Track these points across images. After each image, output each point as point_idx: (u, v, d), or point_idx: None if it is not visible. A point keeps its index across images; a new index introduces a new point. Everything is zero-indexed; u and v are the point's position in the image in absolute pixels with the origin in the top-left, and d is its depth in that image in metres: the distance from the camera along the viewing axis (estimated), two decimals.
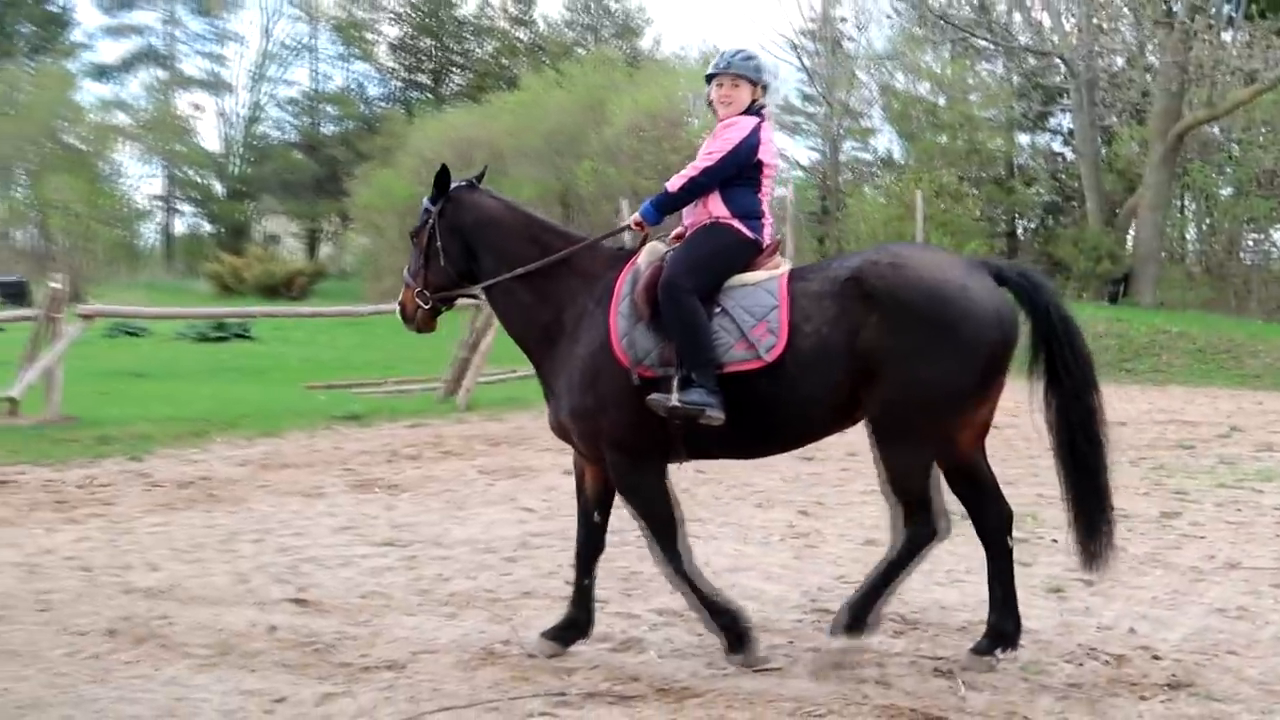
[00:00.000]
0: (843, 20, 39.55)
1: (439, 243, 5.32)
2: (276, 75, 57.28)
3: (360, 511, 8.28)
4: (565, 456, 10.45)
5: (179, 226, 58.46)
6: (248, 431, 11.89)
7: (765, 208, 5.13)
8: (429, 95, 55.73)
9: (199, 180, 56.02)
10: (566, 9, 55.69)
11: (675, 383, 4.72)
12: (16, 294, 37.62)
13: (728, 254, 4.97)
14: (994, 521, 4.89)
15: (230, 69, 57.91)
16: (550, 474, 9.81)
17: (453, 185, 5.38)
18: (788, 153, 38.03)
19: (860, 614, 4.80)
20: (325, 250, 56.49)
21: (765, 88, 5.23)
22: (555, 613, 5.43)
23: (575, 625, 5.13)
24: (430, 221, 5.35)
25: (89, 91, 56.16)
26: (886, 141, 43.90)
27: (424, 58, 57.71)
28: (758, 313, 4.77)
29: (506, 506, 8.51)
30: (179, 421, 12.06)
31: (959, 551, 6.10)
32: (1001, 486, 4.98)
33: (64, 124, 50.11)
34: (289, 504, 8.53)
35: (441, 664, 4.96)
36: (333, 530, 7.65)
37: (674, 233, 5.22)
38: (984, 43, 34.43)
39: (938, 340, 4.56)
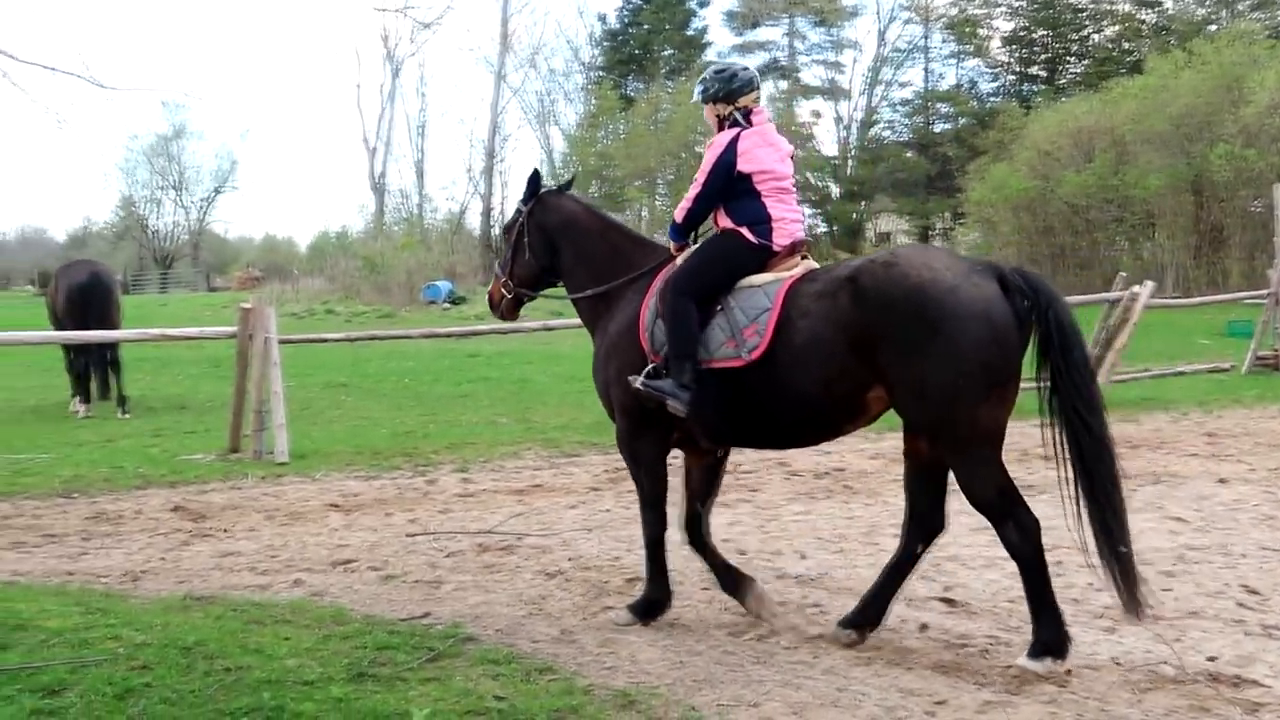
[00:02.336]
0: None
1: (526, 239, 5.88)
2: (890, 78, 58.20)
3: None
4: (1215, 463, 9.60)
5: None
6: (877, 426, 11.96)
7: (781, 210, 5.29)
8: (1044, 86, 53.81)
9: (817, 183, 58.22)
10: None
11: (650, 369, 5.21)
12: None
13: (729, 259, 5.25)
14: (934, 527, 5.14)
15: (846, 75, 59.77)
16: (1199, 481, 8.91)
17: (543, 189, 5.93)
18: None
19: (1053, 634, 4.68)
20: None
21: (728, 100, 5.43)
22: (1226, 635, 4.86)
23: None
24: (521, 220, 5.91)
25: None
26: None
27: (1038, 49, 55.93)
28: (751, 314, 5.04)
29: (1154, 515, 7.81)
30: None
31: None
32: None
33: (699, 137, 54.11)
34: None
35: (1105, 682, 4.58)
36: (971, 529, 7.42)
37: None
38: None
39: (925, 340, 4.58)
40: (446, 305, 37.98)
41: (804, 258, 5.37)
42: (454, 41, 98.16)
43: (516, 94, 61.16)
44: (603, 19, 64.35)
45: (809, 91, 59.57)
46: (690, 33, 62.06)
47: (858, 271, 4.86)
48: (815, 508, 8.18)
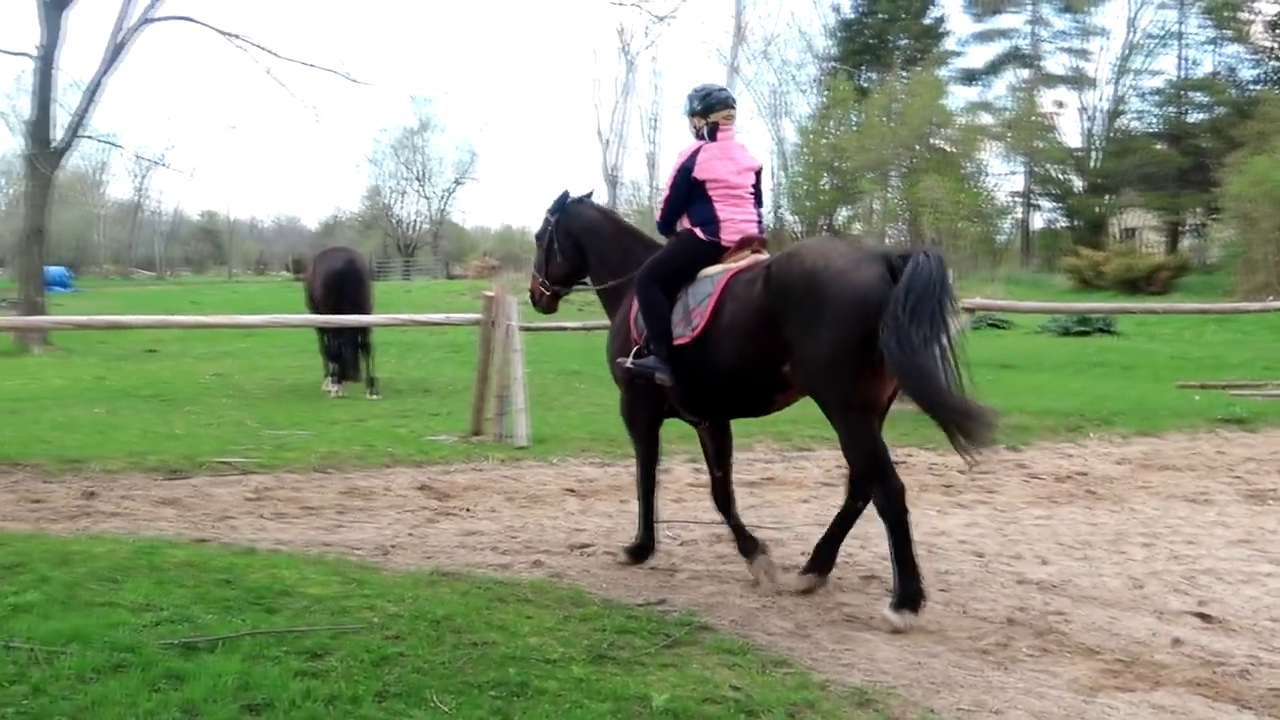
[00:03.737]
0: None
1: (556, 244, 6.88)
2: (1141, 66, 55.37)
3: (1256, 524, 7.54)
4: None
5: (1037, 222, 59.14)
6: (1122, 429, 11.48)
7: (730, 212, 6.14)
8: None
9: (1058, 176, 56.01)
10: None
11: (636, 350, 6.14)
12: None
13: (685, 255, 6.15)
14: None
15: (1093, 63, 57.21)
16: None
17: (569, 199, 6.90)
18: None
19: (911, 590, 5.30)
20: (1187, 243, 53.43)
21: (702, 115, 6.29)
22: None
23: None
24: (550, 228, 6.90)
25: (957, 96, 58.78)
26: None
27: None
28: (699, 299, 5.92)
29: None
30: (1052, 415, 12.00)
31: None
32: None
33: (935, 128, 52.90)
34: (1174, 509, 8.04)
35: None
36: (1228, 543, 7.04)
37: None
38: None
39: (814, 318, 5.26)
40: None
41: (755, 252, 6.14)
42: (687, 34, 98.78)
43: (749, 86, 61.14)
44: (837, 9, 63.57)
45: (1052, 80, 57.35)
46: (928, 21, 60.66)
47: (771, 261, 5.71)
48: (1057, 512, 7.90)
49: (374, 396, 14.17)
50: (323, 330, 14.96)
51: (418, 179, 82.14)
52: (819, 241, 5.89)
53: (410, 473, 9.07)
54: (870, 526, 7.25)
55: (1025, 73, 57.51)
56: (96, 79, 22.61)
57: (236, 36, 23.48)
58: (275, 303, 32.00)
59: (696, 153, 6.21)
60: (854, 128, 54.75)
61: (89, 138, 27.46)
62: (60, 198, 46.27)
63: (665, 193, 6.35)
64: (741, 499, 8.04)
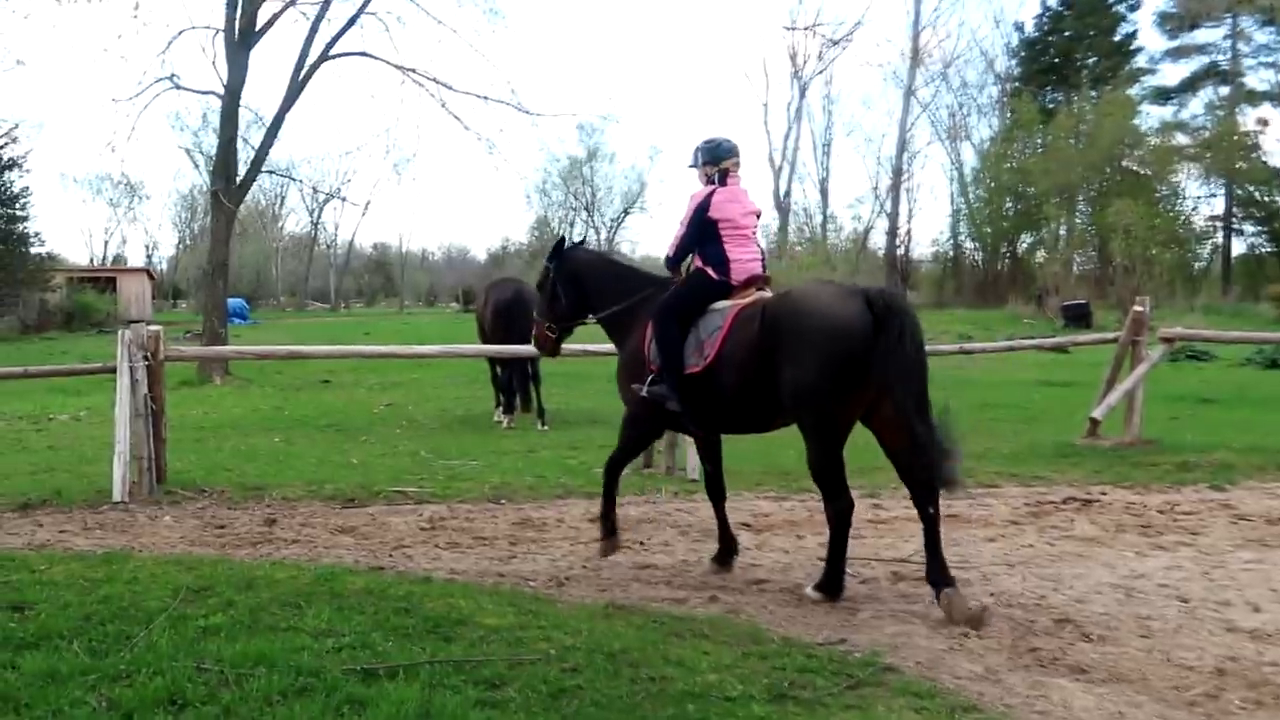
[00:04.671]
0: None
1: (559, 288, 7.56)
2: None
3: None
4: None
5: (1238, 247, 56.67)
6: None
7: (736, 253, 6.86)
8: None
9: (1262, 198, 53.58)
10: None
11: (650, 379, 6.88)
12: (1080, 316, 39.37)
13: (697, 292, 6.87)
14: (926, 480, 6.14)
15: None
16: None
17: (566, 247, 7.72)
18: None
19: (832, 580, 6.41)
20: None
21: (712, 164, 7.02)
22: None
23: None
24: (551, 274, 7.60)
25: (1150, 115, 56.90)
26: None
27: None
28: (709, 332, 6.67)
29: None
30: (1260, 452, 11.44)
31: None
32: None
33: (1126, 149, 51.30)
34: None
35: None
36: None
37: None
38: None
39: (800, 350, 6.09)
40: None
41: (759, 290, 6.87)
42: (862, 57, 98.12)
43: (926, 109, 60.42)
44: (1020, 28, 62.48)
45: (1254, 98, 54.99)
46: (1117, 38, 58.94)
47: (767, 301, 6.55)
48: (1268, 556, 7.50)
49: (544, 428, 14.40)
50: (493, 361, 15.31)
51: (586, 209, 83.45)
52: (809, 283, 7.00)
53: (582, 504, 9.17)
54: (1065, 568, 7.04)
55: (1224, 90, 55.35)
56: (278, 115, 23.66)
57: (412, 71, 24.32)
58: (445, 333, 32.85)
59: (711, 195, 6.92)
60: (1038, 150, 53.51)
61: (270, 172, 28.74)
62: (240, 231, 48.56)
63: (681, 231, 7.01)
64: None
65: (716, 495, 7.31)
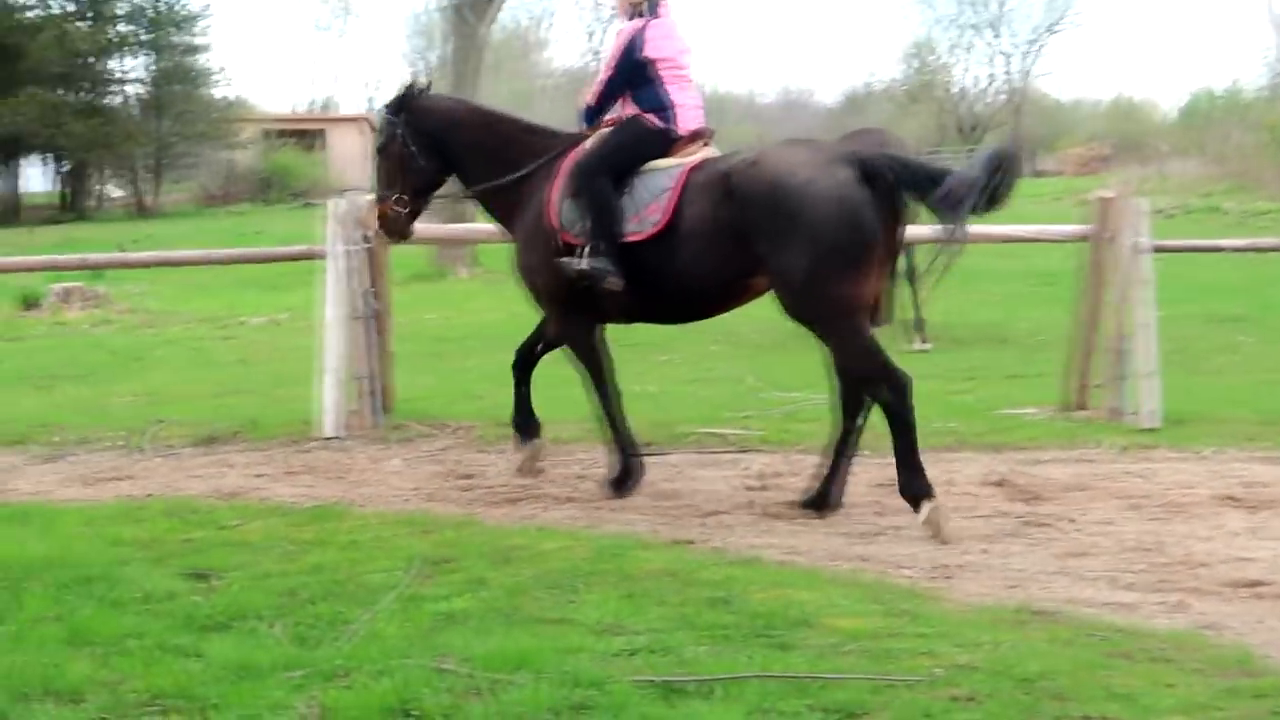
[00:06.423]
0: None
1: (413, 147, 8.46)
2: None
3: None
4: None
5: None
6: None
7: (680, 98, 8.00)
8: None
9: None
10: None
11: (585, 250, 7.75)
12: None
13: (635, 144, 7.94)
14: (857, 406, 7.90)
15: None
16: None
17: (413, 95, 8.62)
18: None
19: (918, 482, 7.51)
20: None
21: None
22: None
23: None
24: (399, 131, 8.49)
25: None
26: None
27: None
28: (654, 192, 7.71)
29: None
30: None
31: None
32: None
33: None
34: None
35: None
36: None
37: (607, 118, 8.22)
38: None
39: (786, 229, 7.26)
40: None
41: (705, 144, 8.03)
42: None
43: None
44: None
45: None
46: None
47: (730, 170, 7.56)
48: None
49: (923, 346, 14.32)
50: None
51: (989, 26, 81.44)
52: (781, 147, 7.91)
53: (981, 460, 9.12)
54: None
55: None
56: None
57: None
58: None
59: (644, 29, 7.93)
60: None
61: None
62: (492, 64, 49.98)
63: (603, 74, 8.13)
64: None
65: (523, 370, 8.98)
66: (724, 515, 7.85)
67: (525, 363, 9.01)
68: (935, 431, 9.88)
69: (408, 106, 8.59)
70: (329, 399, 10.03)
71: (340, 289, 10.14)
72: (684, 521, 7.69)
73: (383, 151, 8.71)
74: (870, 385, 7.53)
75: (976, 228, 9.83)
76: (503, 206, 8.58)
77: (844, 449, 7.97)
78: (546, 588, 5.79)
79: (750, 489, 8.49)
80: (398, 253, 11.27)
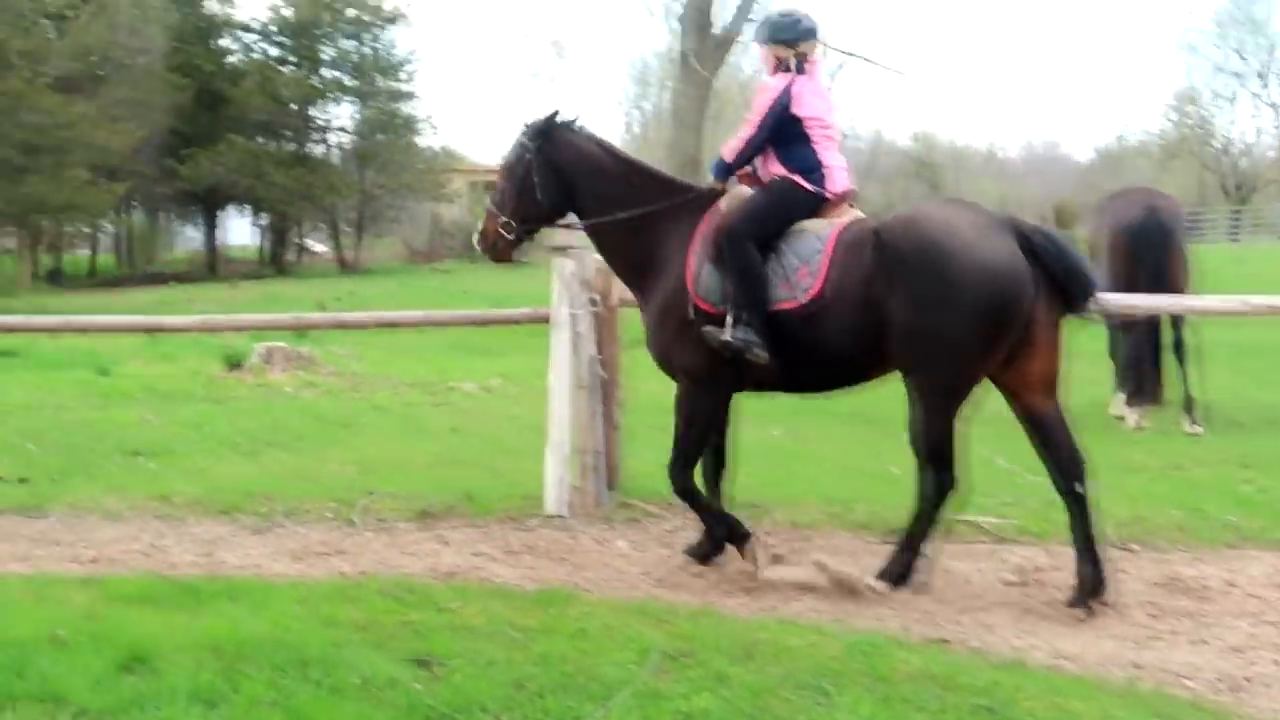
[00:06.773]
0: None
1: (536, 178, 8.68)
2: None
3: None
4: None
5: None
6: None
7: (828, 158, 8.33)
8: None
9: None
10: None
11: (729, 320, 7.99)
12: None
13: (785, 207, 8.25)
14: (1068, 468, 7.98)
15: None
16: None
17: (555, 125, 8.77)
18: None
19: (900, 567, 8.06)
20: None
21: (790, 44, 8.43)
22: None
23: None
24: (528, 157, 8.70)
25: None
26: None
27: None
28: (804, 256, 8.01)
29: None
30: None
31: None
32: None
33: None
34: None
35: None
36: None
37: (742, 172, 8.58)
38: None
39: (936, 295, 7.51)
40: None
41: (851, 206, 8.34)
42: None
43: None
44: None
45: None
46: None
47: (880, 226, 7.82)
48: None
49: (1195, 429, 13.97)
50: (1111, 320, 14.85)
51: (1257, 76, 79.58)
52: (940, 205, 8.34)
53: (1265, 560, 8.91)
54: None
55: None
56: None
57: None
58: None
59: (790, 85, 8.25)
60: None
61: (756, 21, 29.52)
62: (714, 111, 50.17)
63: (749, 129, 8.30)
64: None
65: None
66: (983, 612, 7.75)
67: (714, 468, 9.02)
68: (1212, 525, 9.68)
69: (548, 135, 8.78)
70: (552, 474, 10.12)
71: (567, 356, 10.22)
72: (940, 618, 7.61)
73: (507, 170, 8.94)
74: (927, 466, 7.86)
75: (1258, 299, 9.66)
76: (608, 245, 8.97)
77: (1082, 528, 7.92)
78: (795, 688, 5.76)
79: (1009, 583, 8.37)
80: (624, 315, 11.32)
